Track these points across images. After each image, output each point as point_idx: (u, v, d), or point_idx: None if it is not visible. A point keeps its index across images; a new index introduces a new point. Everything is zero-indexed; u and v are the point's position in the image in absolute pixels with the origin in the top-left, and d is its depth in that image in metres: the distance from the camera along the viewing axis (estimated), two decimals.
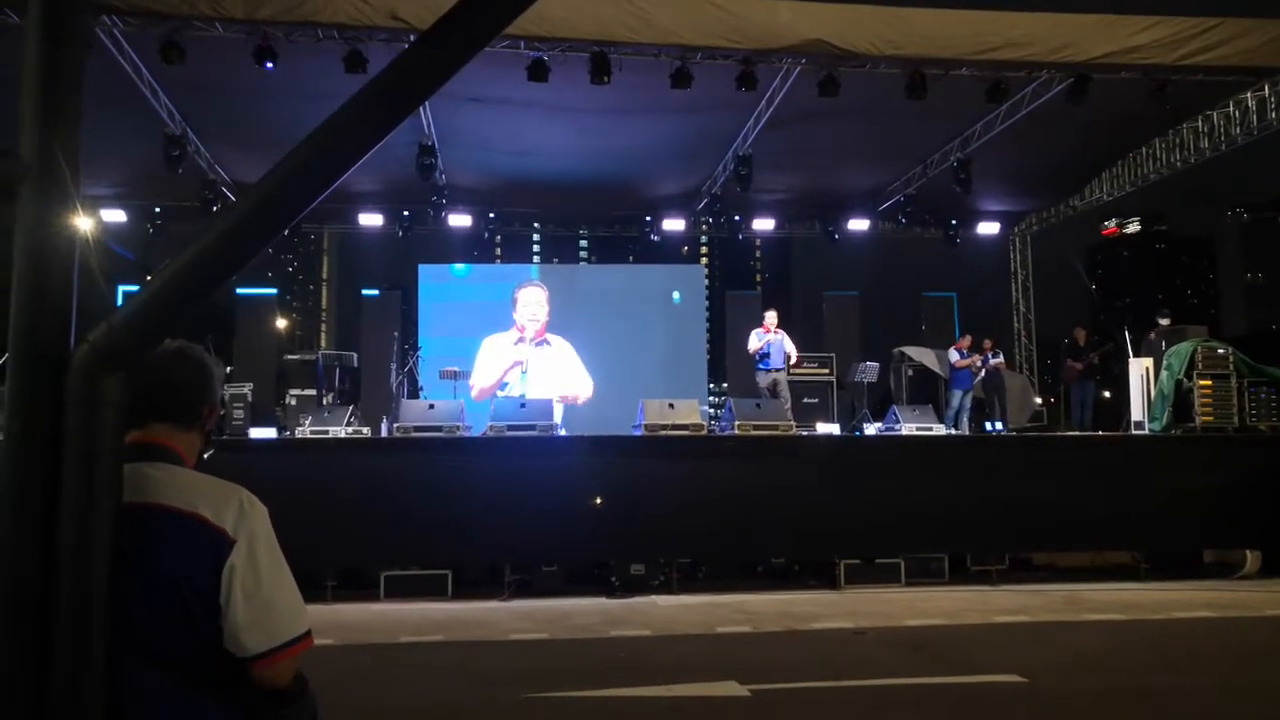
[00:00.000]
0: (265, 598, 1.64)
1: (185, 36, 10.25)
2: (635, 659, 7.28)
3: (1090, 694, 6.12)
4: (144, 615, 1.58)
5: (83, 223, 1.57)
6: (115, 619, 1.52)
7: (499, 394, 14.77)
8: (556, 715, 5.91)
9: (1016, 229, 19.27)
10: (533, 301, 16.41)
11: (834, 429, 12.42)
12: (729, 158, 14.89)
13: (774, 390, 12.90)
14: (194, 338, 2.00)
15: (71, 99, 1.56)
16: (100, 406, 1.51)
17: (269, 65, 10.51)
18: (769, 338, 13.09)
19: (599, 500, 9.76)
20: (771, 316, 13.29)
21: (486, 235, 18.45)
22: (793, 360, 13.34)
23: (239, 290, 16.99)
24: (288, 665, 1.68)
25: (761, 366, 13.13)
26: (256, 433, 10.94)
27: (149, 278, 1.62)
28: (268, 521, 1.71)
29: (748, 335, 13.44)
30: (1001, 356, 14.89)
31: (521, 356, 15.54)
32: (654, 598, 9.73)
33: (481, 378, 15.35)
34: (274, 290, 19.69)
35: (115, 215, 16.15)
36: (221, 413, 11.19)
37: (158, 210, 16.49)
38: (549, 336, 16.31)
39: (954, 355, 14.31)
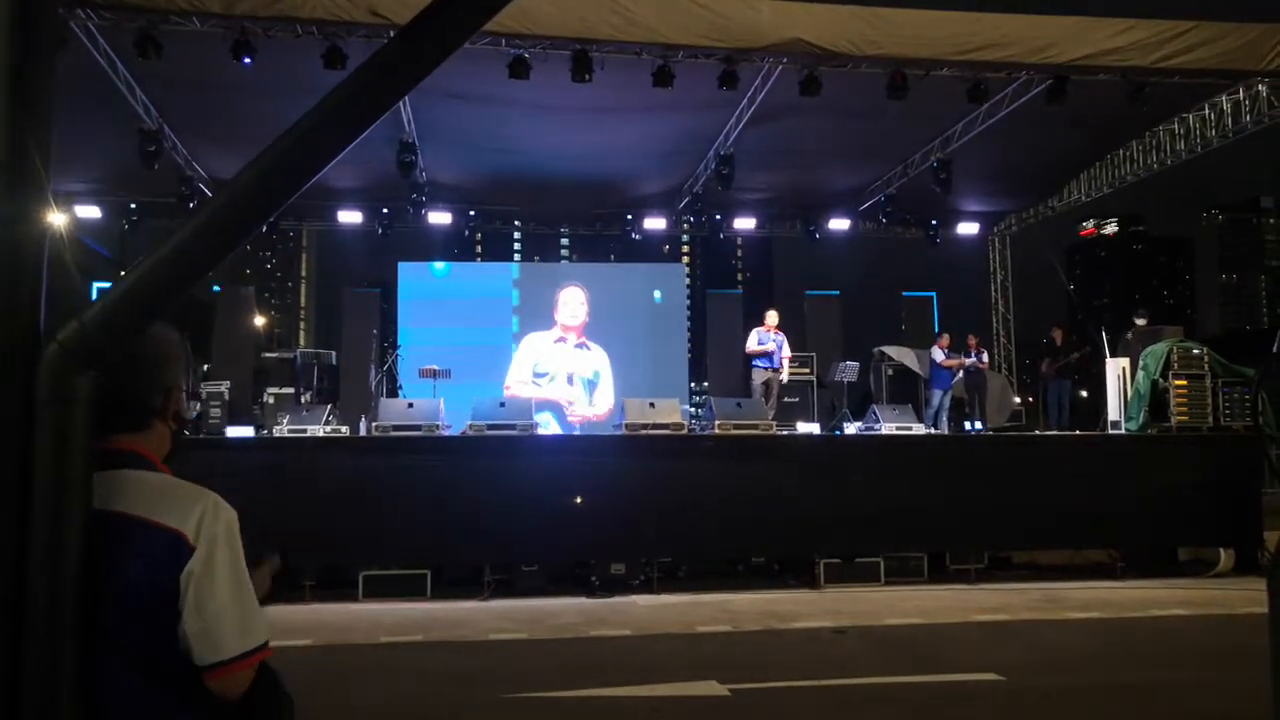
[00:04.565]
0: (215, 609, 1.59)
1: (162, 31, 10.13)
2: (616, 659, 7.27)
3: (1067, 692, 6.17)
4: (114, 620, 1.55)
5: (54, 218, 1.54)
6: (87, 623, 1.49)
7: (537, 383, 15.49)
8: (536, 715, 5.89)
9: (996, 229, 19.40)
10: (573, 301, 17.09)
11: (814, 428, 12.45)
12: (710, 157, 14.89)
13: (768, 389, 12.92)
14: None
15: (43, 92, 1.53)
16: (70, 406, 1.48)
17: (247, 60, 10.41)
18: (773, 338, 13.12)
19: (579, 499, 9.75)
20: (773, 316, 13.33)
21: (467, 233, 18.42)
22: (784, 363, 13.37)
23: (216, 287, 16.86)
24: (235, 679, 1.62)
25: (761, 364, 13.13)
26: (234, 431, 10.85)
27: (122, 274, 1.58)
28: (234, 528, 1.66)
29: (730, 334, 13.46)
30: (985, 355, 14.97)
31: (563, 356, 16.52)
32: (634, 597, 9.72)
33: (520, 383, 16.15)
34: (252, 287, 19.54)
35: (90, 211, 15.99)
36: (198, 409, 11.09)
37: (133, 206, 16.31)
38: (588, 342, 16.73)
39: (938, 354, 14.36)
